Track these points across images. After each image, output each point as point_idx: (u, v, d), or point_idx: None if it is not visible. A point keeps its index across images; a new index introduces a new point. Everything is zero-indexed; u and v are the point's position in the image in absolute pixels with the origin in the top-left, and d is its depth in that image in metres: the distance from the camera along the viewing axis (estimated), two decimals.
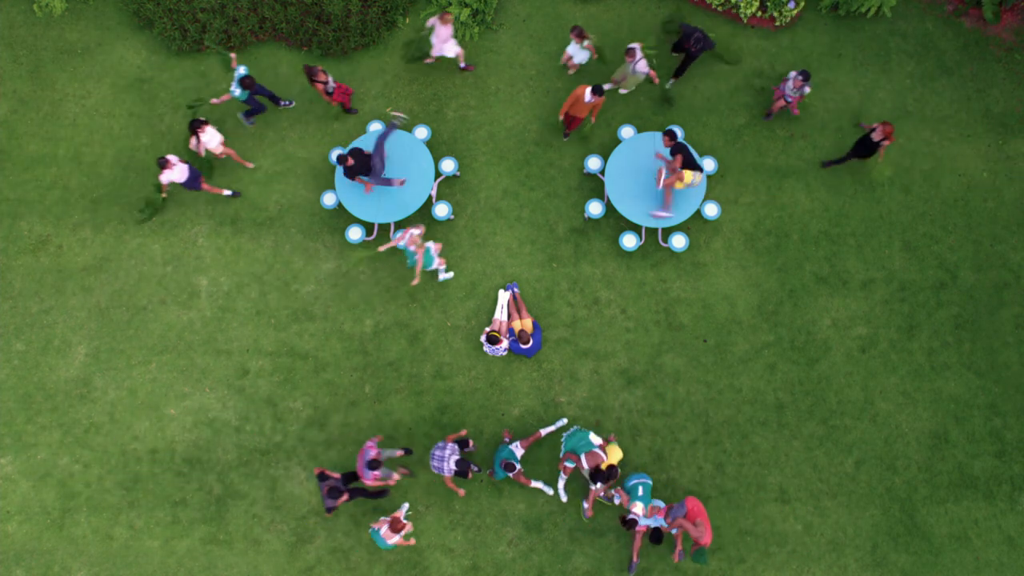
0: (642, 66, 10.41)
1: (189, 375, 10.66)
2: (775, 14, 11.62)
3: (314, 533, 10.17)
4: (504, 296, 10.70)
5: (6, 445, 10.46)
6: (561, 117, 10.68)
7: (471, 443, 9.97)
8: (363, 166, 10.26)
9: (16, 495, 10.33)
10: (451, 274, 10.83)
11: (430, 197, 10.99)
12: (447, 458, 9.20)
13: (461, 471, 9.17)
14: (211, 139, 10.48)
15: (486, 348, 10.50)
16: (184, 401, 10.59)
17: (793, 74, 10.59)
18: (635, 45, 10.42)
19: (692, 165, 10.15)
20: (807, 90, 10.63)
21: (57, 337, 10.79)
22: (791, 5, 11.51)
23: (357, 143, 10.73)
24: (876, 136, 10.22)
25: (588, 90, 10.09)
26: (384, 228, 11.05)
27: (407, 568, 10.03)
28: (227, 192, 11.04)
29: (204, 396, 10.60)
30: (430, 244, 9.96)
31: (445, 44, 10.95)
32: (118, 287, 10.95)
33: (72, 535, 10.22)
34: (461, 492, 9.75)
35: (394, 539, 8.99)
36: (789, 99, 10.92)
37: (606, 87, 11.05)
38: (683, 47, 11.07)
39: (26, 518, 10.28)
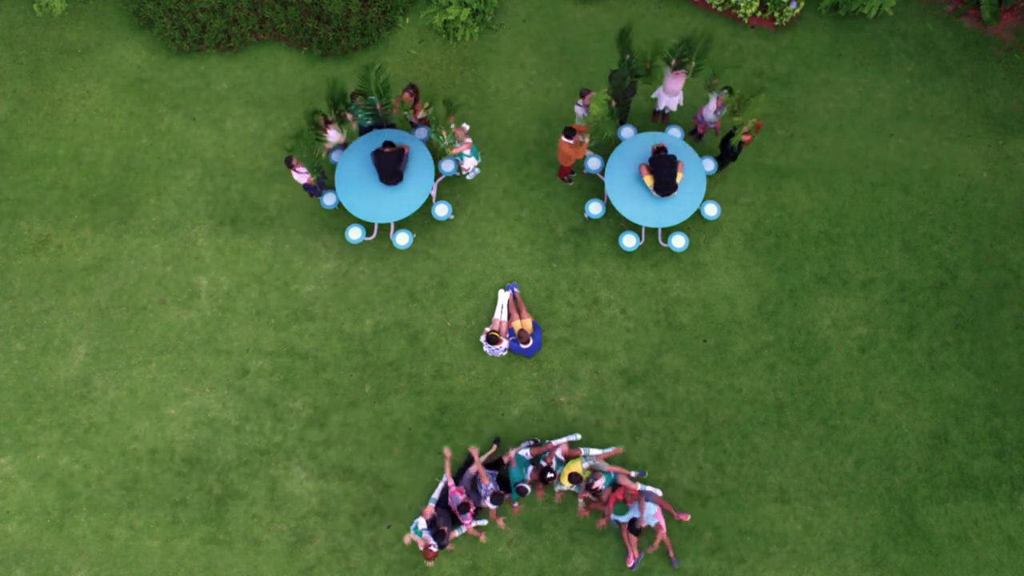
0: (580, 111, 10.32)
1: (189, 375, 10.66)
2: (775, 14, 11.62)
3: (314, 533, 10.17)
4: (504, 296, 10.70)
5: (6, 445, 10.46)
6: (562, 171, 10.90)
7: (504, 460, 9.88)
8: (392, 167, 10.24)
9: (16, 495, 10.33)
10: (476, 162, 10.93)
11: (430, 197, 10.99)
12: (484, 496, 9.40)
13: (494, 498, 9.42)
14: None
15: (486, 348, 10.50)
16: (184, 401, 10.59)
17: (716, 95, 10.08)
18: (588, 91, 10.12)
19: (664, 184, 10.05)
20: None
21: (57, 337, 10.79)
22: (793, 5, 11.51)
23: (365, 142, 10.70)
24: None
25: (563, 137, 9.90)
26: (384, 228, 11.05)
27: (407, 568, 10.03)
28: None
29: (204, 396, 10.60)
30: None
31: (673, 97, 10.55)
32: (118, 287, 10.95)
33: (72, 535, 10.22)
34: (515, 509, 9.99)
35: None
36: (712, 124, 10.62)
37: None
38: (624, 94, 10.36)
39: (26, 518, 10.28)
